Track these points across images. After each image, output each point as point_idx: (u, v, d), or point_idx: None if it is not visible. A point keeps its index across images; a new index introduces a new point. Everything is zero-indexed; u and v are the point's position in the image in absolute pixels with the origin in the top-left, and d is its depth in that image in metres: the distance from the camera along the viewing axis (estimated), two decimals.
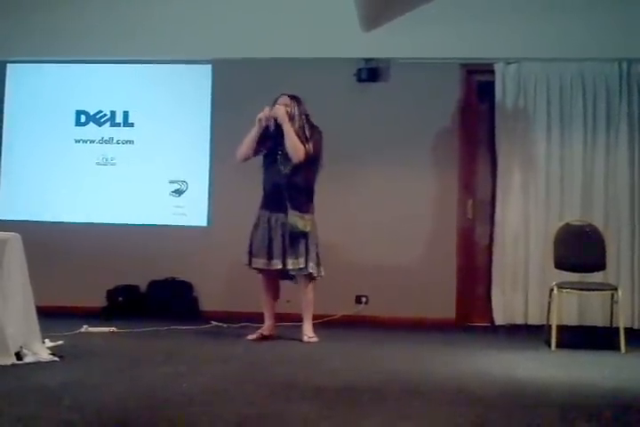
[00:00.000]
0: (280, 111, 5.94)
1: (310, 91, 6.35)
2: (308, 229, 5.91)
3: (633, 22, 6.67)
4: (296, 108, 6.01)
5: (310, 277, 6.00)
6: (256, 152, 6.05)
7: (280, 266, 5.92)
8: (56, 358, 4.91)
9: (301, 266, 5.92)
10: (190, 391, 4.12)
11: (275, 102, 6.05)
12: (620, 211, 7.09)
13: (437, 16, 6.79)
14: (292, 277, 6.08)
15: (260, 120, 5.99)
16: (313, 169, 6.03)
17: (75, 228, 7.64)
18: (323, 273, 6.02)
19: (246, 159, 6.07)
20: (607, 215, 7.09)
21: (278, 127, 5.96)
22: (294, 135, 5.90)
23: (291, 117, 5.97)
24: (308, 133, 5.98)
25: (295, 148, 5.89)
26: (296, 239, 5.92)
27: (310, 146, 5.93)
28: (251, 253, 6.01)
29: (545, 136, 7.21)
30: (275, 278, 6.11)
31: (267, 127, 6.01)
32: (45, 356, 4.89)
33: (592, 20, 6.72)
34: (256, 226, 6.04)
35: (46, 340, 5.20)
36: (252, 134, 6.01)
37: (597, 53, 6.87)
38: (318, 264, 5.99)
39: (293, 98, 6.05)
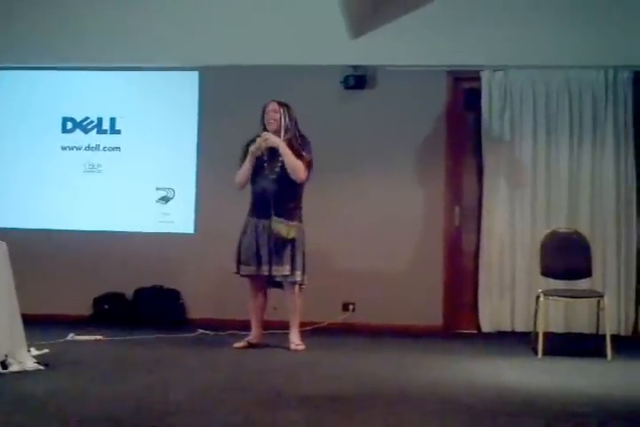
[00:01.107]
0: (272, 139, 5.94)
1: (297, 98, 6.35)
2: (291, 236, 5.90)
3: (619, 30, 6.71)
4: (287, 115, 6.02)
5: (296, 285, 6.00)
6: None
7: (267, 273, 5.92)
8: (41, 367, 4.89)
9: (286, 273, 5.92)
10: (176, 400, 4.11)
11: (264, 109, 6.06)
12: (605, 218, 7.11)
13: (424, 23, 6.81)
14: (280, 285, 6.07)
15: (253, 153, 5.99)
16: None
17: (61, 235, 7.61)
18: (306, 282, 6.03)
19: (244, 187, 6.11)
20: (593, 223, 7.10)
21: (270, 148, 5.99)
22: (292, 155, 5.92)
23: (285, 130, 5.99)
24: (299, 140, 6.01)
25: (295, 168, 5.93)
26: (282, 246, 5.92)
27: (309, 155, 5.97)
28: (239, 261, 6.00)
29: (531, 143, 7.23)
30: (263, 285, 6.10)
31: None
32: (31, 365, 4.87)
33: (578, 28, 6.75)
34: (244, 233, 6.04)
35: (32, 348, 5.17)
36: (247, 166, 6.03)
37: (583, 61, 6.90)
38: (304, 272, 6.00)
39: (282, 105, 6.06)
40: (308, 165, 5.99)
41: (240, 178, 6.07)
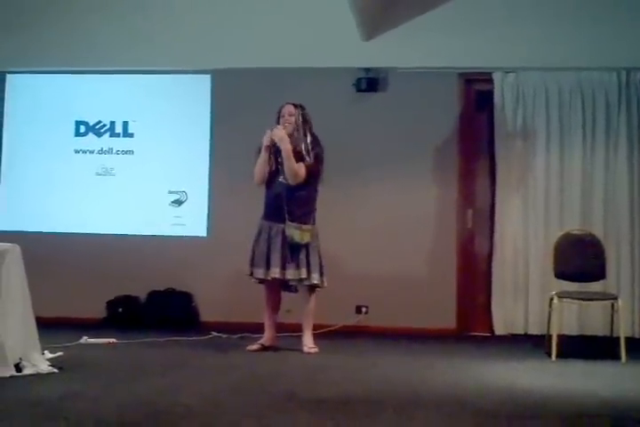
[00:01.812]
0: (278, 134, 5.93)
1: (310, 100, 6.35)
2: (305, 240, 5.90)
3: (631, 31, 6.68)
4: (300, 116, 6.02)
5: (312, 288, 5.99)
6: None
7: (278, 275, 5.90)
8: (55, 370, 4.89)
9: (303, 276, 5.91)
10: (190, 403, 4.11)
11: (279, 111, 6.06)
12: (619, 220, 7.09)
13: (436, 26, 6.80)
14: (293, 289, 6.06)
15: (266, 147, 5.98)
16: (314, 180, 6.03)
17: (74, 238, 7.63)
18: (326, 284, 6.02)
19: (264, 181, 6.06)
20: (607, 225, 7.08)
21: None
22: (292, 158, 5.89)
23: (297, 128, 5.98)
24: (310, 145, 5.99)
25: (292, 172, 5.90)
26: (296, 249, 5.91)
27: (311, 159, 5.93)
28: (253, 264, 6.00)
29: (544, 145, 7.22)
30: (277, 288, 6.10)
31: (274, 145, 6.00)
32: (44, 368, 4.88)
33: (590, 30, 6.73)
34: (257, 236, 6.04)
35: (46, 351, 5.18)
36: (264, 158, 6.00)
37: (596, 63, 6.88)
38: (322, 274, 5.99)
39: (298, 106, 6.06)
40: (309, 170, 5.95)
41: (257, 173, 6.03)
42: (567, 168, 7.19)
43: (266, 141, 5.97)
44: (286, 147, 5.91)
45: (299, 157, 5.93)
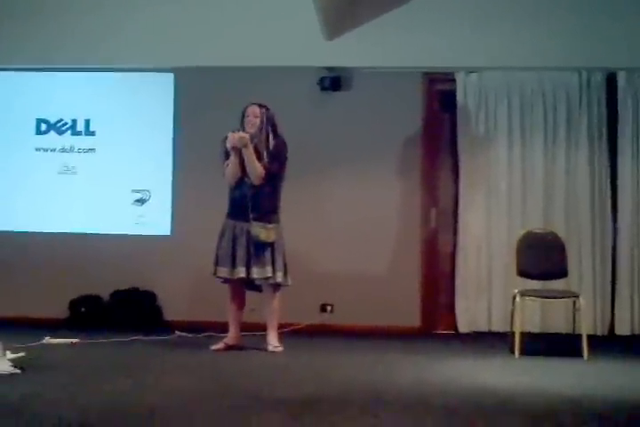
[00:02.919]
0: (242, 141, 5.90)
1: (273, 99, 6.34)
2: (271, 239, 5.90)
3: (593, 32, 6.72)
4: (265, 116, 6.00)
5: (276, 287, 5.99)
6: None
7: (243, 274, 5.89)
8: (17, 371, 4.84)
9: (268, 275, 5.91)
10: (153, 403, 4.09)
11: (243, 112, 6.03)
12: (580, 219, 7.16)
13: (399, 25, 6.81)
14: (257, 288, 6.05)
15: (232, 149, 5.96)
16: (277, 179, 6.03)
17: (36, 237, 7.55)
18: (290, 282, 6.02)
19: (236, 182, 6.02)
20: (568, 223, 7.15)
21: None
22: (254, 160, 5.90)
23: (260, 129, 5.97)
24: (271, 145, 5.98)
25: (256, 172, 5.90)
26: (261, 248, 5.91)
27: (272, 162, 5.94)
28: (217, 263, 5.98)
29: (506, 145, 7.27)
30: (241, 287, 6.09)
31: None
32: (6, 368, 4.83)
33: (552, 30, 6.77)
34: (221, 235, 6.02)
35: (7, 351, 5.12)
36: (235, 161, 5.96)
37: (557, 63, 6.92)
38: (286, 273, 5.99)
39: (262, 107, 6.04)
40: (267, 169, 5.93)
41: (230, 175, 6.00)
42: (529, 167, 7.25)
43: (231, 144, 5.95)
44: (249, 151, 5.90)
45: (259, 157, 5.93)
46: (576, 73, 7.20)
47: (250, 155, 5.91)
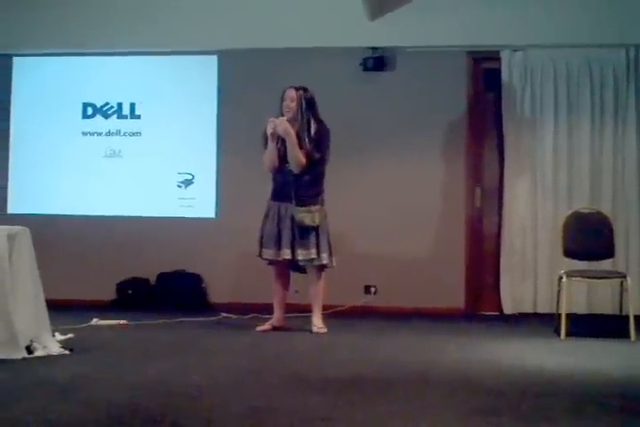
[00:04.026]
0: (282, 126, 5.88)
1: (316, 80, 6.34)
2: (315, 223, 5.90)
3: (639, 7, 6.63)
4: (303, 99, 5.96)
5: (321, 268, 6.00)
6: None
7: (289, 256, 5.91)
8: (66, 352, 4.92)
9: (312, 257, 5.92)
10: (200, 384, 4.14)
11: (282, 96, 6.00)
12: (628, 198, 7.07)
13: (442, 4, 6.77)
14: (302, 269, 6.07)
15: (271, 135, 5.95)
16: (320, 164, 6.00)
17: (83, 221, 7.66)
18: (334, 263, 6.02)
19: (274, 169, 6.02)
20: (615, 203, 7.06)
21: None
22: (297, 148, 5.87)
23: (298, 113, 5.93)
24: (313, 130, 5.95)
25: (296, 160, 5.88)
26: (306, 231, 5.91)
27: (314, 150, 5.90)
28: (262, 245, 6.01)
29: (552, 124, 7.19)
30: (286, 269, 6.11)
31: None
32: (55, 349, 4.90)
33: (598, 7, 6.69)
34: (266, 217, 6.04)
35: (56, 333, 5.21)
36: (271, 146, 5.96)
37: (604, 40, 6.84)
38: (330, 254, 5.99)
39: (300, 89, 6.00)
40: (309, 156, 5.89)
41: (267, 162, 6.01)
42: (576, 146, 7.16)
43: (270, 130, 5.95)
44: (291, 139, 5.88)
45: (300, 144, 5.91)
46: (623, 49, 7.07)
47: (292, 143, 5.88)
